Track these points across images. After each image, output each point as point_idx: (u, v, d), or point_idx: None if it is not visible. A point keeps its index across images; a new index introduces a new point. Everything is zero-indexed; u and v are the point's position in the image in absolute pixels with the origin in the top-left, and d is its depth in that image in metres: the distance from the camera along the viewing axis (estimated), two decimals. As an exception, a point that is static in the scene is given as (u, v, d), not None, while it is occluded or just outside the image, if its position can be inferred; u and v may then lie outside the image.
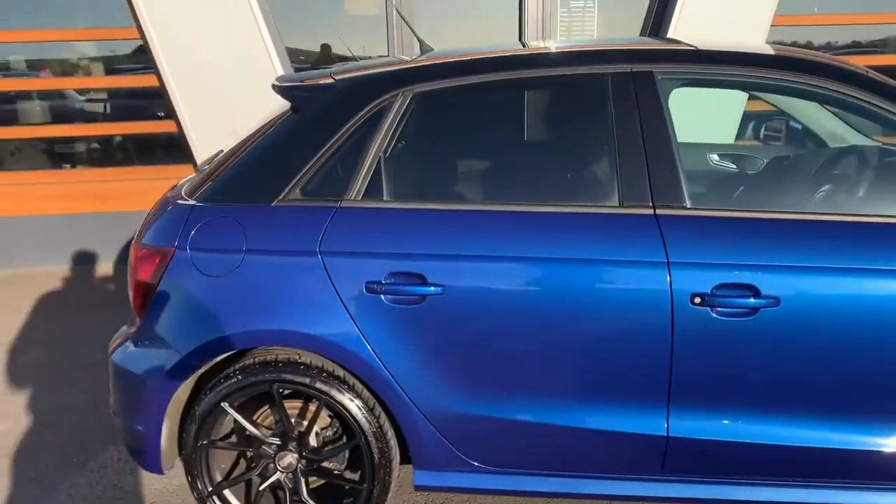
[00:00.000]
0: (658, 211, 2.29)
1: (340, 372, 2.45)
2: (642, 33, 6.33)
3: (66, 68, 6.64)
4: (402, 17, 3.26)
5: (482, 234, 2.33)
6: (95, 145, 6.80)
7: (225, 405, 2.48)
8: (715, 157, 3.59)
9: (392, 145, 2.44)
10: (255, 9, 5.51)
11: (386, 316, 2.35)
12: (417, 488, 2.53)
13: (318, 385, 2.43)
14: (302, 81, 2.63)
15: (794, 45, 7.08)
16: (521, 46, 2.97)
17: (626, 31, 6.87)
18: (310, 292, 2.37)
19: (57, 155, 6.70)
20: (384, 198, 2.42)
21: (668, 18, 6.08)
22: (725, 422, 2.34)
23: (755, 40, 5.53)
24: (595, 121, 2.39)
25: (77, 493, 3.03)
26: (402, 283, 2.33)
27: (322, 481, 2.64)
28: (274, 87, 2.64)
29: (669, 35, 5.87)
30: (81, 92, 6.85)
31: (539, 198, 2.38)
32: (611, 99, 2.36)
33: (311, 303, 2.38)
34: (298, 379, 2.44)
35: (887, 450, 2.30)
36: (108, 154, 6.90)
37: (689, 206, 2.30)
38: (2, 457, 3.29)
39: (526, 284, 2.32)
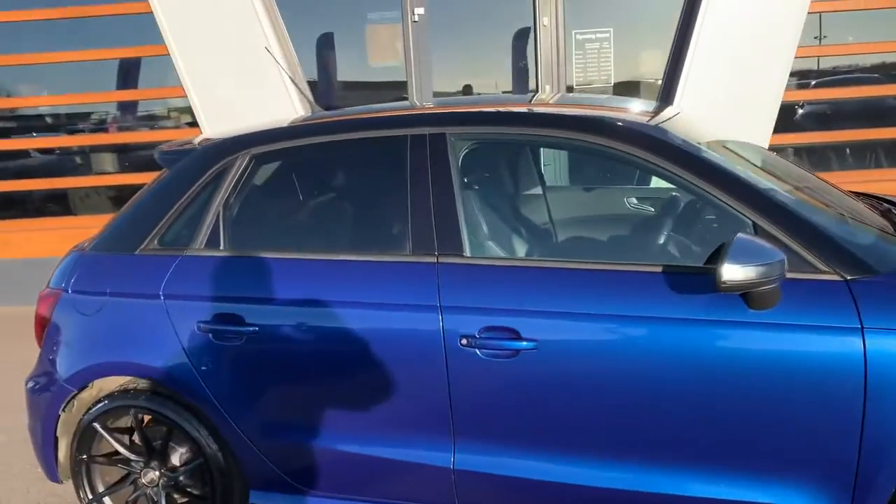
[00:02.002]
0: (440, 259, 2.51)
1: (186, 401, 2.80)
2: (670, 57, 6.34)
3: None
4: (296, 84, 3.61)
5: (292, 280, 2.64)
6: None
7: (96, 425, 2.89)
8: (633, 200, 3.69)
9: (230, 200, 2.80)
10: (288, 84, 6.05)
11: (214, 353, 2.70)
12: (253, 505, 2.84)
13: (167, 412, 2.80)
14: (177, 147, 3.05)
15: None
16: (405, 105, 3.24)
17: (645, 62, 6.93)
18: (154, 330, 2.76)
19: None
20: (220, 247, 2.77)
21: (687, 41, 6.17)
22: (504, 458, 2.50)
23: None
24: (396, 178, 2.64)
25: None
26: (225, 322, 2.67)
27: (186, 499, 2.99)
28: (156, 156, 3.06)
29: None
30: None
31: (345, 247, 2.66)
32: (408, 158, 2.61)
33: (155, 339, 2.76)
34: (152, 406, 2.82)
35: (646, 490, 2.38)
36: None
37: (467, 255, 2.50)
38: None
39: (327, 325, 2.59)
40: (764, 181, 2.51)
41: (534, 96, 2.91)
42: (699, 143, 2.64)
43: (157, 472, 2.90)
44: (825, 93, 6.91)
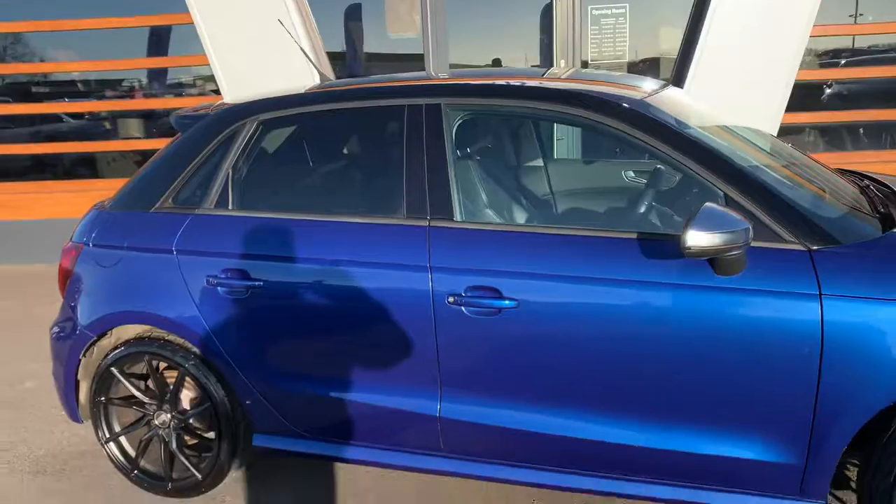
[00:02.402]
0: (431, 223, 2.68)
1: (195, 349, 3.01)
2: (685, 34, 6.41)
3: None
4: (306, 55, 3.77)
5: (294, 239, 2.82)
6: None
7: (113, 370, 3.12)
8: (631, 173, 3.82)
9: (239, 163, 2.98)
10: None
11: (221, 305, 2.90)
12: (255, 447, 3.05)
13: (178, 359, 3.01)
14: (191, 112, 3.23)
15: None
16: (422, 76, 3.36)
17: (661, 38, 6.99)
18: (167, 283, 2.96)
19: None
20: (229, 207, 2.96)
21: (703, 17, 6.23)
22: (485, 408, 2.67)
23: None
24: (393, 145, 2.80)
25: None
26: (232, 277, 2.86)
27: (196, 440, 3.21)
28: (172, 121, 3.25)
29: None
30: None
31: (344, 209, 2.83)
32: (405, 127, 2.77)
33: (167, 291, 2.96)
34: (163, 353, 3.03)
35: (617, 441, 2.54)
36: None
37: (457, 220, 2.67)
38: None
39: (326, 282, 2.77)
40: (740, 156, 2.64)
41: (546, 71, 3.03)
42: (686, 120, 2.77)
43: (169, 415, 3.12)
44: (839, 73, 6.93)
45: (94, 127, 7.77)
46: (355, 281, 2.72)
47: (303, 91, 3.05)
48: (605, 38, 6.81)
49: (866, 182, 3.16)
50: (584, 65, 6.80)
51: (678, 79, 6.50)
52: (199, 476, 3.09)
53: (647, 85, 3.29)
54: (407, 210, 2.72)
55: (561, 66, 6.77)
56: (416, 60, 6.88)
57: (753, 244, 2.37)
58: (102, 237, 3.12)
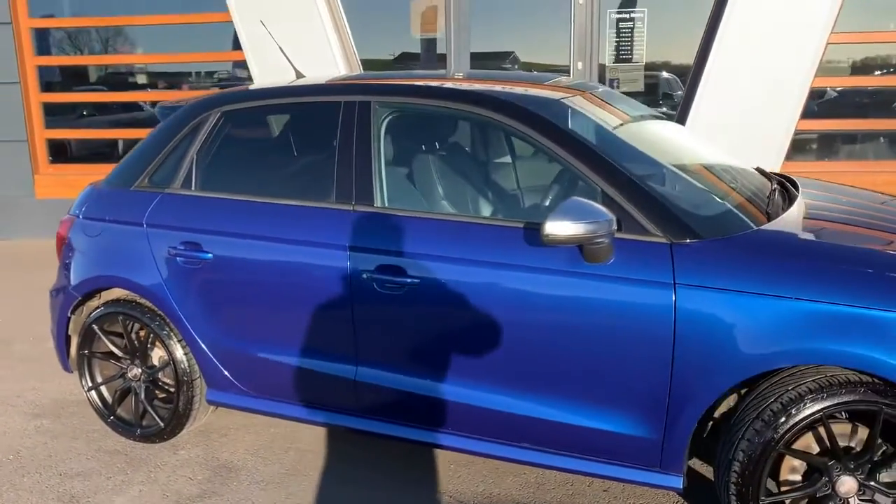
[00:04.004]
0: (355, 207, 3.01)
1: (159, 312, 3.42)
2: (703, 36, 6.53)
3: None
4: (284, 52, 4.14)
5: (242, 218, 3.19)
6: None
7: (94, 327, 3.56)
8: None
9: (202, 148, 3.38)
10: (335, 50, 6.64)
11: (180, 273, 3.30)
12: (209, 402, 3.45)
13: (145, 320, 3.43)
14: (171, 104, 3.65)
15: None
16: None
17: (678, 44, 7.10)
18: (137, 252, 3.39)
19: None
20: (192, 187, 3.37)
21: (717, 24, 6.36)
22: (394, 374, 2.99)
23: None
24: (329, 137, 3.13)
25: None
26: (189, 249, 3.26)
27: (163, 394, 3.62)
28: (156, 111, 3.68)
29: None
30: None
31: (286, 193, 3.19)
32: (339, 121, 3.11)
33: (138, 259, 3.39)
34: (133, 313, 3.45)
35: (499, 408, 2.82)
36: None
37: (377, 206, 2.99)
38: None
39: (265, 257, 3.13)
40: (626, 156, 2.87)
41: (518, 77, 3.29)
42: (603, 121, 3.03)
43: (140, 370, 3.54)
44: (854, 80, 6.90)
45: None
46: (289, 257, 3.07)
47: (261, 86, 3.42)
48: (623, 41, 6.98)
49: (778, 183, 3.33)
50: (602, 67, 6.98)
51: (693, 84, 6.64)
52: (162, 424, 3.50)
53: (594, 88, 3.56)
54: (336, 195, 3.06)
55: (578, 68, 6.97)
56: (439, 59, 7.20)
57: (624, 236, 2.61)
58: (91, 210, 3.58)
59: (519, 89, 3.22)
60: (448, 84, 3.20)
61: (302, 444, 3.55)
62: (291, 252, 3.07)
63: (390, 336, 2.95)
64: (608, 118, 3.32)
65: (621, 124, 3.31)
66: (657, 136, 3.38)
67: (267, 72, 6.96)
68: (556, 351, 2.69)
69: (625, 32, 6.98)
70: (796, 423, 2.40)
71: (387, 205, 3.01)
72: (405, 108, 3.14)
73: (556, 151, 2.77)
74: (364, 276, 2.92)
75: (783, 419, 2.40)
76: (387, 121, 3.11)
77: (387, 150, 3.07)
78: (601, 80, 7.01)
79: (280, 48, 4.10)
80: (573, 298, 2.63)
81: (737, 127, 6.44)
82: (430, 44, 7.38)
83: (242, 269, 3.17)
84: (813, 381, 2.42)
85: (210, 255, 3.22)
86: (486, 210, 3.19)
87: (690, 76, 6.76)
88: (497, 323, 2.75)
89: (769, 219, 2.81)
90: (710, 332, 2.48)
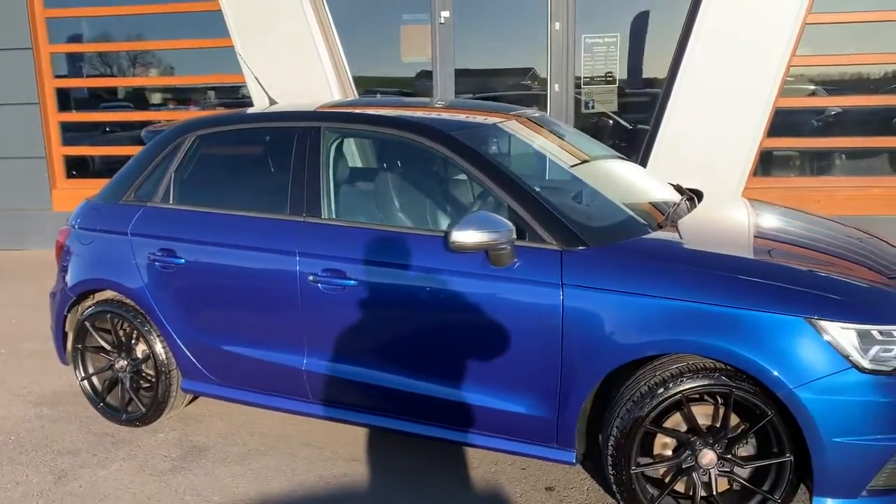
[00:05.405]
0: (305, 218, 3.48)
1: (141, 310, 3.91)
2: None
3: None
4: (259, 82, 4.64)
5: (210, 228, 3.67)
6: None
7: (87, 324, 4.06)
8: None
9: (179, 167, 3.87)
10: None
11: (158, 276, 3.78)
12: (183, 390, 3.92)
13: (129, 317, 3.92)
14: (155, 128, 4.16)
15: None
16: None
17: (650, 65, 7.53)
18: (123, 258, 3.88)
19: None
20: (170, 201, 3.86)
21: (685, 46, 6.79)
22: (336, 363, 3.44)
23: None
24: (286, 159, 3.60)
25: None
26: (165, 255, 3.75)
27: (147, 383, 4.10)
28: (142, 134, 4.19)
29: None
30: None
31: (249, 207, 3.66)
32: (294, 145, 3.58)
33: (124, 264, 3.87)
34: (119, 312, 3.94)
35: (423, 392, 3.26)
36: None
37: (324, 217, 3.45)
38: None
39: (229, 262, 3.60)
40: (533, 173, 3.32)
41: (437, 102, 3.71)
42: (529, 141, 3.47)
43: (126, 361, 4.03)
44: (815, 101, 7.27)
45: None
46: (248, 262, 3.54)
47: (231, 113, 3.91)
48: (598, 64, 7.42)
49: (686, 197, 3.75)
50: (577, 86, 7.41)
51: (664, 99, 7.04)
52: (144, 410, 3.98)
53: (531, 114, 4.02)
54: (290, 208, 3.52)
55: (556, 90, 7.42)
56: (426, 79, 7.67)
57: (527, 244, 3.05)
58: (84, 221, 4.08)
59: (457, 116, 3.68)
60: (387, 112, 3.67)
61: (265, 429, 4.00)
62: (251, 258, 3.54)
63: (332, 330, 3.40)
64: (537, 140, 3.77)
65: (545, 145, 3.76)
66: (573, 155, 3.82)
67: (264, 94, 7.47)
68: (469, 342, 3.13)
69: (599, 56, 7.41)
70: (659, 403, 2.81)
71: (332, 216, 3.47)
72: (349, 133, 3.63)
73: (470, 170, 3.22)
74: (310, 277, 3.38)
75: (649, 399, 2.82)
76: (334, 144, 3.58)
77: (333, 168, 3.54)
78: (577, 100, 7.44)
79: (256, 79, 4.59)
80: (482, 296, 3.07)
81: (702, 144, 6.85)
82: (419, 67, 7.86)
83: (209, 273, 3.65)
84: (675, 367, 2.83)
85: (182, 261, 3.69)
86: (415, 221, 3.64)
87: (661, 94, 7.17)
88: (421, 318, 3.20)
89: (657, 229, 3.23)
90: (591, 326, 2.90)
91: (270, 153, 3.80)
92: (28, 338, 5.61)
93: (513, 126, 3.81)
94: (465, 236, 2.93)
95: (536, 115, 4.18)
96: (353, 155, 3.84)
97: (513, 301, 3.02)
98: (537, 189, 3.19)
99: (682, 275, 2.84)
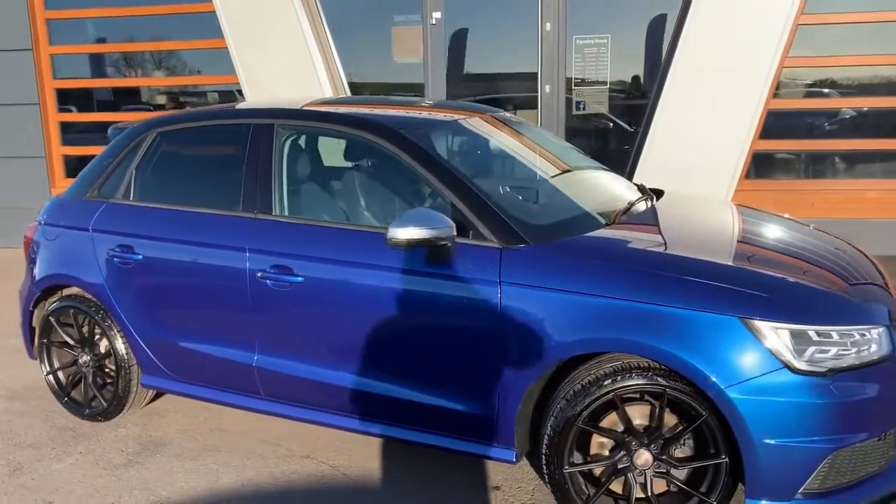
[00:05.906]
0: (257, 215, 3.49)
1: (102, 305, 3.94)
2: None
3: None
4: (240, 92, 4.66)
5: (166, 224, 3.69)
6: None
7: (51, 319, 4.10)
8: (507, 188, 4.48)
9: (140, 164, 3.90)
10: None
11: (117, 272, 3.81)
12: (143, 386, 3.94)
13: (90, 312, 3.95)
14: (120, 126, 4.19)
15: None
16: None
17: (641, 65, 7.48)
18: (84, 254, 3.91)
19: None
20: (130, 198, 3.89)
21: (674, 49, 6.75)
22: (285, 360, 3.44)
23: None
24: (241, 155, 3.61)
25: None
26: (123, 251, 3.77)
27: (109, 379, 4.13)
28: (108, 132, 4.22)
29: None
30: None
31: (204, 203, 3.67)
32: (248, 141, 3.60)
33: (85, 260, 3.91)
34: (81, 307, 3.98)
35: (368, 389, 3.25)
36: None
37: (274, 214, 3.46)
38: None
39: (186, 258, 3.62)
40: (481, 171, 3.30)
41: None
42: (489, 139, 3.46)
43: (89, 357, 4.06)
44: (807, 103, 7.18)
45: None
46: (202, 258, 3.56)
47: (191, 111, 3.94)
48: (588, 65, 7.38)
49: (646, 196, 3.72)
50: (568, 85, 7.37)
51: (655, 100, 6.99)
52: (105, 405, 4.01)
53: (495, 112, 4.01)
54: (243, 205, 3.54)
55: (546, 91, 7.39)
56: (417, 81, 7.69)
57: (469, 242, 3.03)
58: (51, 217, 4.13)
59: (420, 114, 3.68)
60: (340, 109, 3.67)
61: (227, 425, 4.02)
62: (204, 254, 3.55)
63: (280, 327, 3.40)
64: (500, 137, 3.75)
65: (507, 142, 3.75)
66: (536, 153, 3.80)
67: (257, 93, 7.52)
68: (410, 339, 3.11)
69: (590, 57, 7.37)
70: (592, 402, 2.78)
71: (283, 213, 3.48)
72: (301, 130, 3.63)
73: (415, 167, 3.21)
74: (259, 274, 3.39)
75: (581, 398, 2.79)
76: (287, 141, 3.58)
77: (286, 165, 3.54)
78: (568, 101, 7.41)
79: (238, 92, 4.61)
80: (422, 294, 3.06)
81: (693, 146, 6.78)
82: (411, 67, 7.86)
83: (165, 269, 3.67)
84: (610, 366, 2.80)
85: (140, 257, 3.72)
86: (363, 219, 3.64)
87: (651, 96, 7.12)
88: (364, 315, 3.19)
89: (606, 226, 3.20)
90: (526, 324, 2.88)
91: (226, 150, 3.81)
92: (15, 334, 5.65)
93: (475, 123, 3.80)
94: (402, 232, 2.92)
95: (505, 114, 4.16)
96: (308, 152, 3.84)
97: (452, 298, 3.00)
98: (481, 186, 3.17)
99: (616, 273, 2.81)
